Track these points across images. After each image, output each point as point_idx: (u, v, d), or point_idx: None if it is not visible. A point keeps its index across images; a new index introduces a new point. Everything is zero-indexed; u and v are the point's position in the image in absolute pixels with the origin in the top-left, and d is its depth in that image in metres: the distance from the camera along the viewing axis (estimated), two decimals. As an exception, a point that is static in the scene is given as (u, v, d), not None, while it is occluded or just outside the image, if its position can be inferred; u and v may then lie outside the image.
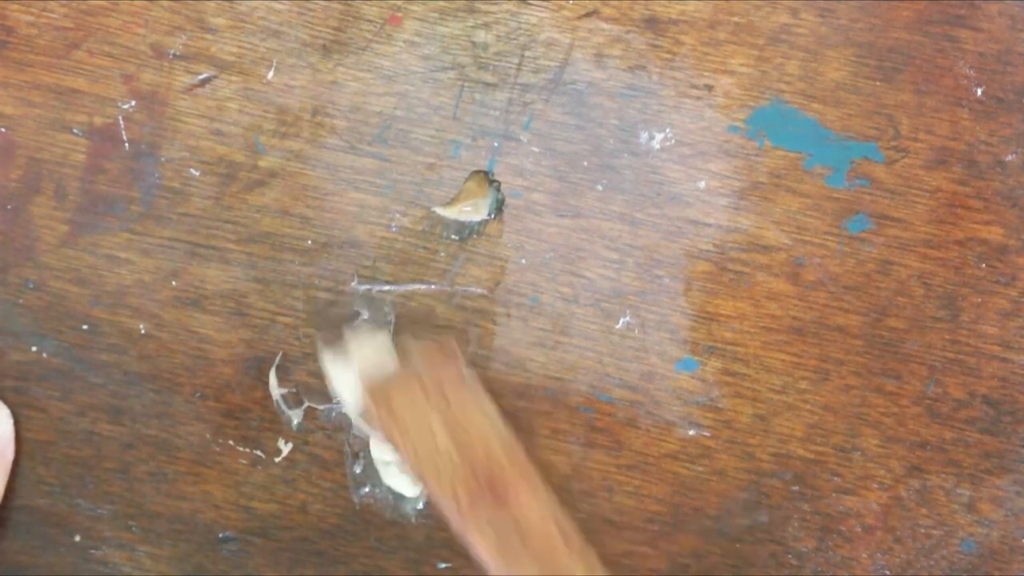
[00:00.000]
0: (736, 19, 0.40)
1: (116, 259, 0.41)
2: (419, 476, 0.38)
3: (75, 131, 0.41)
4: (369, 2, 0.40)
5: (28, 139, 0.41)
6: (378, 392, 0.38)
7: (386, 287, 0.41)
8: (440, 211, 0.41)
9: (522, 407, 0.42)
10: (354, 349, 0.40)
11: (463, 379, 0.39)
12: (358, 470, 0.42)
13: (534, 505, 0.38)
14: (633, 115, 0.41)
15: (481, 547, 0.37)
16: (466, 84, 0.41)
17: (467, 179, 0.41)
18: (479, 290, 0.41)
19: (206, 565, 0.43)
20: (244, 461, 0.42)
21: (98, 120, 0.41)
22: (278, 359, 0.42)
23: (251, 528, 0.43)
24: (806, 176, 0.41)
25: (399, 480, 0.42)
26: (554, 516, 0.38)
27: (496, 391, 0.41)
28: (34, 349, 0.42)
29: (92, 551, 0.43)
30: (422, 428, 0.38)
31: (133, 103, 0.41)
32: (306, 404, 0.42)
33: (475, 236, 0.41)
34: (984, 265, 0.41)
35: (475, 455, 0.38)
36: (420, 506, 0.42)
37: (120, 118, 0.41)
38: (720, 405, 0.42)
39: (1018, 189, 0.40)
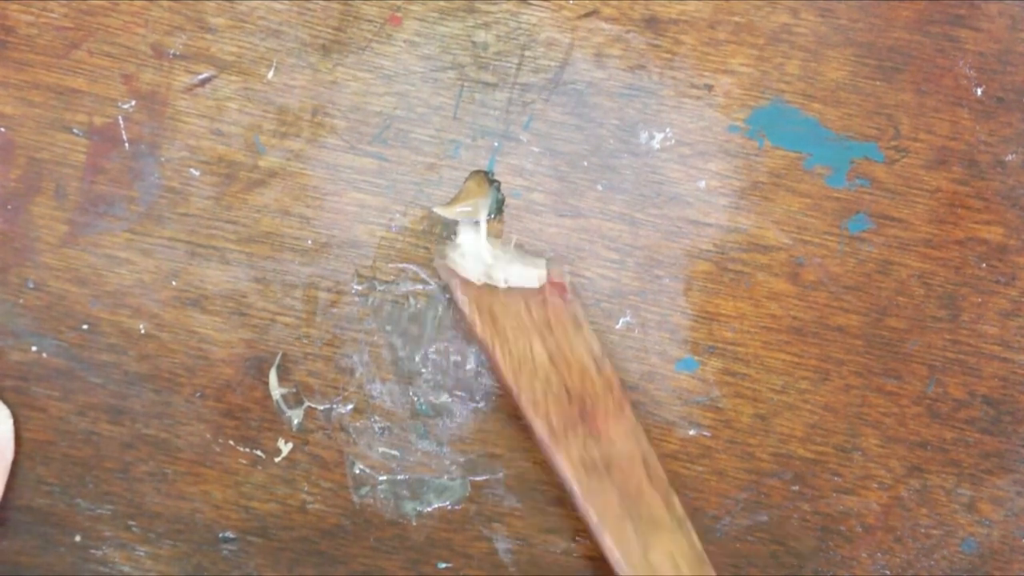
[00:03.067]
0: (736, 19, 0.40)
1: (116, 259, 0.41)
2: (513, 390, 0.39)
3: (75, 131, 0.41)
4: (369, 2, 0.40)
5: (28, 139, 0.41)
6: (484, 301, 0.39)
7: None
8: (439, 211, 0.41)
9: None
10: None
11: (569, 309, 0.40)
12: (358, 470, 0.42)
13: (624, 438, 0.39)
14: (633, 115, 0.41)
15: (566, 469, 0.38)
16: (466, 84, 0.41)
17: (467, 179, 0.41)
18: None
19: (206, 565, 0.43)
20: (244, 461, 0.42)
21: (98, 120, 0.41)
22: (278, 359, 0.42)
23: (251, 528, 0.43)
24: (806, 176, 0.41)
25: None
26: (642, 452, 0.39)
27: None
28: (34, 349, 0.42)
29: (92, 551, 0.43)
30: (522, 345, 0.39)
31: (133, 103, 0.41)
32: (306, 404, 0.42)
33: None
34: (984, 265, 0.41)
35: (572, 380, 0.39)
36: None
37: (120, 118, 0.41)
38: (720, 405, 0.42)
39: (1018, 189, 0.40)
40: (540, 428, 0.38)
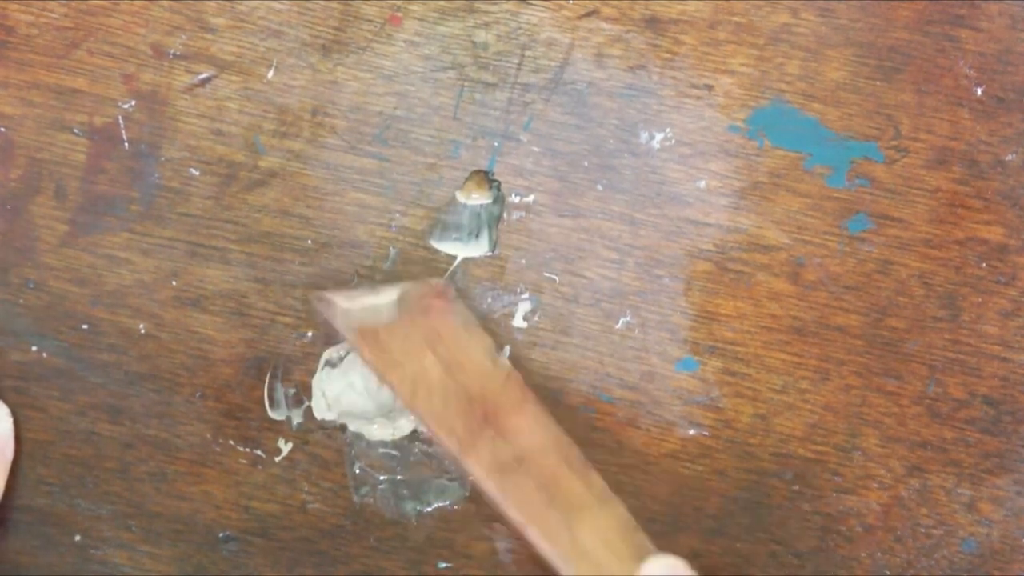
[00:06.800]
0: (736, 19, 0.40)
1: (116, 259, 0.41)
2: (414, 412, 0.38)
3: (75, 131, 0.41)
4: (369, 2, 0.40)
5: (28, 139, 0.41)
6: (368, 332, 0.38)
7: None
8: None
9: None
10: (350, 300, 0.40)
11: (456, 313, 0.40)
12: (358, 470, 0.42)
13: (532, 430, 0.38)
14: (633, 115, 0.41)
15: (481, 477, 0.37)
16: (466, 84, 0.41)
17: (467, 179, 0.41)
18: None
19: (206, 565, 0.43)
20: (244, 461, 0.42)
21: (98, 120, 0.41)
22: (278, 359, 0.42)
23: (251, 528, 0.43)
24: (806, 176, 0.41)
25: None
26: (554, 439, 0.38)
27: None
28: (34, 349, 0.42)
29: (92, 551, 0.43)
30: (415, 364, 0.38)
31: (133, 103, 0.41)
32: (306, 404, 0.42)
33: (475, 237, 0.41)
34: (984, 265, 0.41)
35: (471, 387, 0.38)
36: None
37: (120, 118, 0.41)
38: (720, 405, 0.42)
39: (1018, 189, 0.40)
40: (447, 441, 0.37)
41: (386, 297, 0.39)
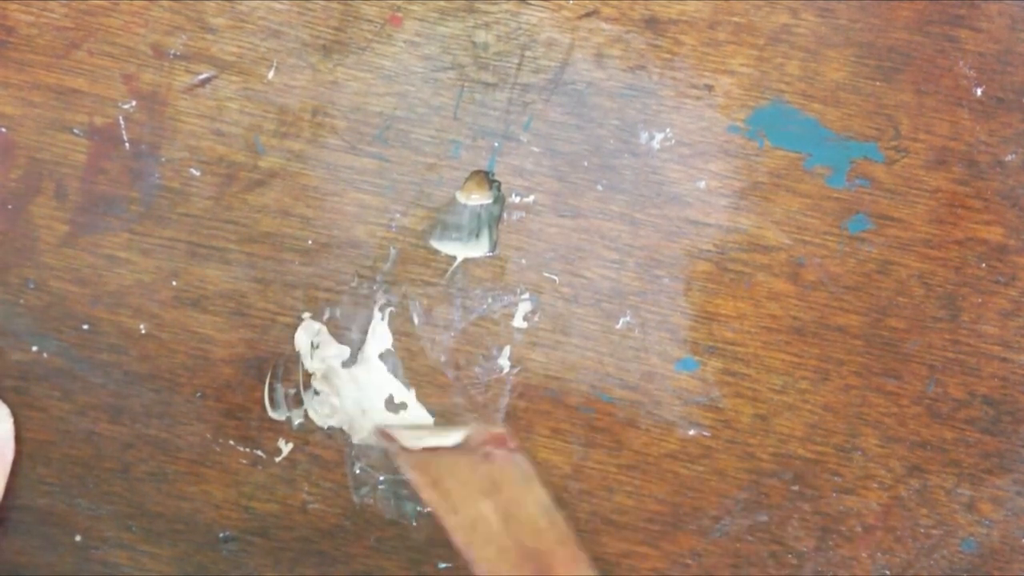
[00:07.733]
0: (736, 19, 0.40)
1: (116, 259, 0.41)
2: (468, 557, 0.39)
3: (75, 131, 0.41)
4: (369, 2, 0.40)
5: (28, 139, 0.41)
6: (429, 472, 0.39)
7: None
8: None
9: (523, 407, 0.42)
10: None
11: (516, 465, 0.40)
12: (358, 470, 0.42)
13: None
14: (633, 115, 0.41)
15: None
16: (466, 84, 0.41)
17: (467, 179, 0.41)
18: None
19: (206, 565, 0.43)
20: (244, 461, 0.42)
21: (98, 120, 0.41)
22: (278, 359, 0.42)
23: (251, 528, 0.43)
24: (806, 176, 0.41)
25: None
26: None
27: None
28: (34, 349, 0.42)
29: (92, 551, 0.43)
30: (472, 511, 0.39)
31: (133, 103, 0.41)
32: (306, 404, 0.42)
33: (475, 237, 0.41)
34: (984, 265, 0.41)
35: (526, 542, 0.39)
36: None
37: (120, 118, 0.41)
38: (720, 405, 0.42)
39: (1018, 189, 0.40)
40: None
41: (450, 439, 0.40)
